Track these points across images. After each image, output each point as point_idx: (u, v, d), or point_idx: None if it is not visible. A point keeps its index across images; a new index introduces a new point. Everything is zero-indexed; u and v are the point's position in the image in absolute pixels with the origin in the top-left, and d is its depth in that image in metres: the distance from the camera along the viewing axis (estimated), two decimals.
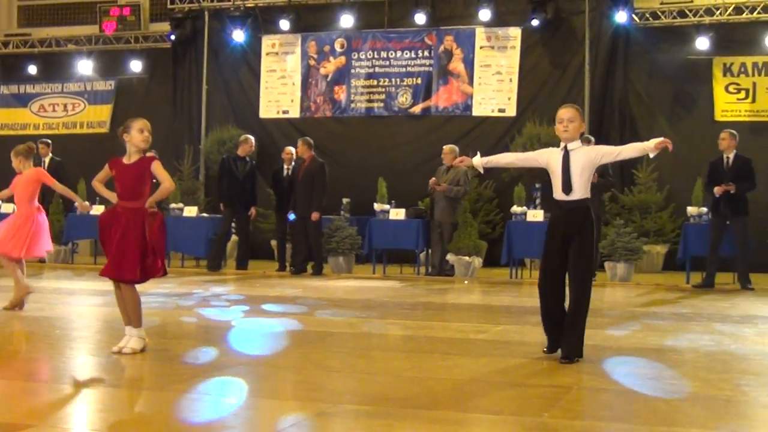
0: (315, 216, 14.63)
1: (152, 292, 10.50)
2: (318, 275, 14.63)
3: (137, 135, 6.65)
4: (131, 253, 6.52)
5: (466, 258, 14.44)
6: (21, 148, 9.48)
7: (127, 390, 5.62)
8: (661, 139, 6.54)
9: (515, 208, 14.70)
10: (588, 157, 6.57)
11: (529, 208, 14.70)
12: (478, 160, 6.98)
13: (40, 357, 6.74)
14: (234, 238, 16.00)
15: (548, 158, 6.69)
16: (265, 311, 9.71)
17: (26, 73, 20.85)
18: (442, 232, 14.63)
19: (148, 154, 6.81)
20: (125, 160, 6.72)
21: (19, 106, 21.28)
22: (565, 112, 6.60)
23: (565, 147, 6.59)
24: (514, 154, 7.61)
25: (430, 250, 15.13)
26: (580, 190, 6.54)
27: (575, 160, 6.53)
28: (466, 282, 14.00)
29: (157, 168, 6.67)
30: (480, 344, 7.48)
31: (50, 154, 16.65)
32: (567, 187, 6.54)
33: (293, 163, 15.40)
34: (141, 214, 6.58)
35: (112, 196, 6.79)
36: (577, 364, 6.36)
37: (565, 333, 6.48)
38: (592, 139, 13.05)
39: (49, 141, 16.94)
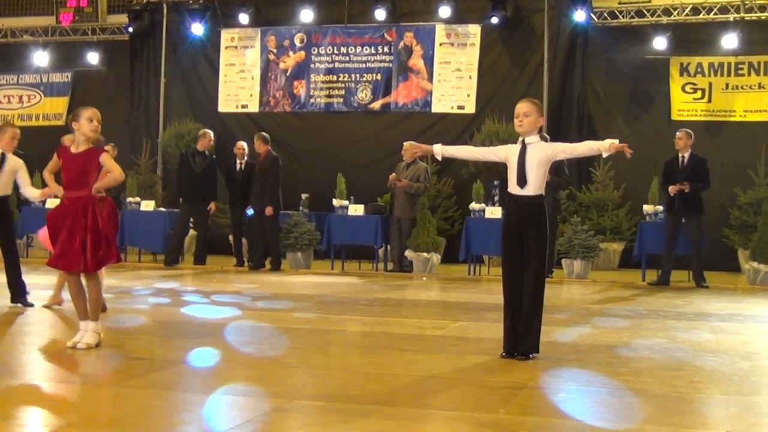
0: (269, 210, 14.60)
1: (108, 286, 10.41)
2: (276, 270, 14.60)
3: (86, 124, 6.61)
4: (78, 241, 6.48)
5: (425, 254, 14.49)
6: None
7: (81, 386, 5.58)
8: (617, 142, 6.60)
9: (474, 205, 14.77)
10: (544, 153, 6.62)
11: (487, 205, 14.79)
12: (438, 148, 7.00)
13: None
14: (192, 232, 15.93)
15: (507, 153, 6.74)
16: (220, 306, 9.67)
17: None
18: (401, 228, 14.65)
19: (106, 147, 6.77)
20: (73, 149, 6.69)
21: None
22: (521, 107, 6.65)
23: (523, 141, 6.65)
24: (474, 148, 7.64)
25: (388, 246, 15.16)
26: (535, 184, 6.58)
27: (531, 154, 6.59)
28: (424, 278, 14.03)
29: (107, 159, 6.63)
30: (437, 341, 7.51)
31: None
32: (521, 180, 6.59)
33: (246, 158, 15.35)
34: (88, 202, 6.54)
35: (59, 190, 6.75)
36: (533, 361, 6.42)
37: (520, 329, 6.53)
38: (548, 137, 13.12)
39: None
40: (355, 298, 10.67)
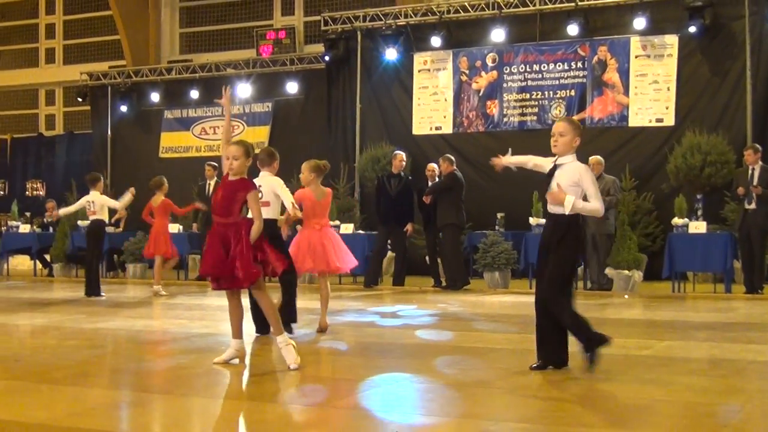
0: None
1: (308, 309, 10.62)
2: (454, 289, 14.59)
3: (224, 162, 7.01)
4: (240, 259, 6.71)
5: (626, 272, 14.10)
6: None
7: (284, 406, 5.68)
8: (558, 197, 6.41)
9: (676, 220, 14.26)
10: (574, 176, 6.47)
11: (690, 220, 14.23)
12: (508, 159, 6.90)
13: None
14: (390, 254, 16.11)
15: (544, 163, 6.71)
16: (419, 327, 9.70)
17: (188, 98, 21.59)
18: (597, 244, 14.35)
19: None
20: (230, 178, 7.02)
21: (182, 130, 22.06)
22: (557, 127, 6.59)
23: (555, 161, 6.55)
24: (532, 157, 7.29)
25: (586, 264, 14.84)
26: (558, 207, 6.46)
27: (561, 176, 6.49)
28: (626, 296, 13.67)
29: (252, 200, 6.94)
30: (643, 361, 7.27)
31: (215, 177, 17.09)
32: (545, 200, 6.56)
33: (437, 180, 15.42)
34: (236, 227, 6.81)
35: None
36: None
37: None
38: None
39: (216, 164, 17.42)
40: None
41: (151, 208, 14.61)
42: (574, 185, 6.46)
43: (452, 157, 15.39)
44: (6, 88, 26.37)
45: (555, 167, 6.54)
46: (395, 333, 9.36)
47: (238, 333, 6.98)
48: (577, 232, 6.52)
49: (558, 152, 6.55)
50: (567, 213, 6.41)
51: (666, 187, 16.11)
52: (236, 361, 6.94)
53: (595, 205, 6.43)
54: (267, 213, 8.42)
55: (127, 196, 14.16)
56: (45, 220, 19.95)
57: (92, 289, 13.69)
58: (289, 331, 8.41)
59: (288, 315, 8.66)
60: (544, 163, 6.84)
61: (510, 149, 7.31)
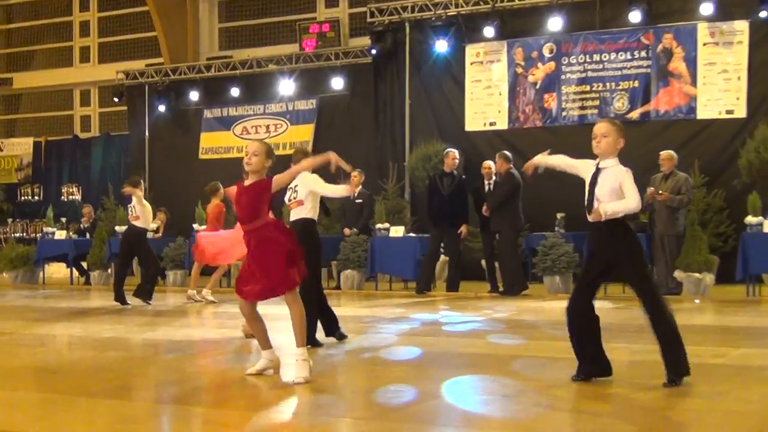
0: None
1: (357, 316, 10.63)
2: (511, 294, 14.53)
3: (244, 157, 6.94)
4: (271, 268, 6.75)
5: (697, 275, 13.93)
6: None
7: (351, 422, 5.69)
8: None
9: (750, 219, 14.05)
10: (616, 181, 6.45)
11: (765, 218, 14.01)
12: (541, 160, 6.84)
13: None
14: (443, 258, 16.06)
15: (585, 171, 6.64)
16: (474, 336, 9.67)
17: (229, 96, 21.72)
18: (665, 246, 14.19)
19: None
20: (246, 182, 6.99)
21: (222, 129, 22.21)
22: (599, 127, 6.56)
23: (597, 164, 6.50)
24: (565, 158, 7.14)
25: (653, 267, 14.68)
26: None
27: (604, 180, 6.47)
28: (696, 301, 13.51)
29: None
30: (718, 369, 7.17)
31: None
32: (589, 206, 6.51)
33: (494, 178, 15.35)
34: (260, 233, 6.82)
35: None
36: None
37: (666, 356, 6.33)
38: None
39: None
40: (622, 324, 10.37)
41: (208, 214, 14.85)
42: (617, 191, 6.45)
43: (509, 154, 15.32)
44: (40, 89, 26.74)
45: (598, 171, 6.48)
46: (450, 342, 9.33)
47: (266, 344, 7.04)
48: (630, 235, 6.54)
49: (601, 154, 6.52)
50: (603, 219, 6.47)
51: (738, 183, 15.88)
52: (270, 371, 6.97)
53: (626, 204, 6.41)
54: (301, 213, 8.51)
55: (156, 223, 14.50)
56: (81, 225, 20.19)
57: (118, 296, 13.82)
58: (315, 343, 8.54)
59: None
60: (580, 165, 6.78)
61: (548, 150, 7.19)
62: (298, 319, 6.87)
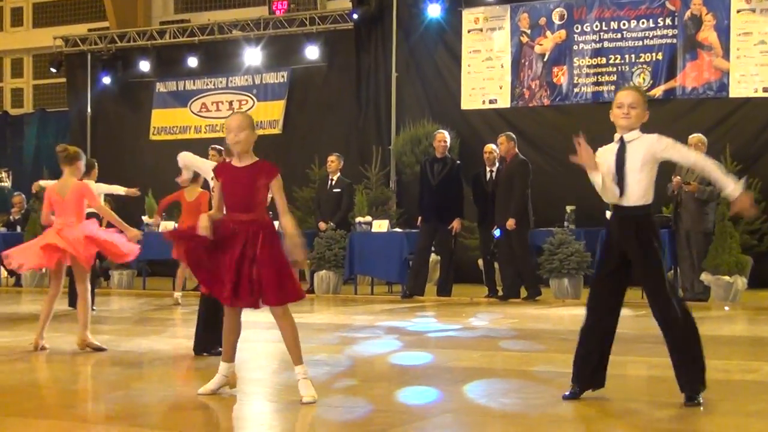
0: (510, 223, 14.56)
1: (333, 324, 10.68)
2: (531, 300, 14.56)
3: (228, 135, 6.75)
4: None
5: (726, 278, 14.03)
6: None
7: None
8: (747, 201, 6.42)
9: None
10: (649, 149, 6.46)
11: None
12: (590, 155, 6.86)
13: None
14: (434, 257, 16.07)
15: (603, 159, 6.58)
16: (466, 348, 9.72)
17: (185, 67, 21.70)
18: (691, 244, 14.27)
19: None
20: (235, 162, 6.88)
21: (177, 106, 22.19)
22: (626, 95, 6.59)
23: (621, 138, 6.52)
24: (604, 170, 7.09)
25: (677, 268, 14.75)
26: (638, 192, 6.47)
27: (632, 153, 6.47)
28: (726, 308, 13.62)
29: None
30: (748, 387, 7.25)
31: None
32: (621, 188, 6.50)
33: (497, 165, 15.34)
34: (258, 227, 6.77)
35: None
36: None
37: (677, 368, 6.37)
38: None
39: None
40: (638, 335, 10.42)
41: (183, 202, 14.45)
42: (653, 159, 6.47)
43: (514, 136, 15.30)
44: None
45: (623, 145, 6.50)
46: (441, 354, 9.38)
47: (231, 356, 6.97)
48: (656, 229, 6.60)
49: (629, 126, 6.52)
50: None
51: None
52: (226, 389, 6.95)
53: (710, 163, 6.49)
54: None
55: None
56: (11, 217, 20.11)
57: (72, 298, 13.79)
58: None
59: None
60: (603, 164, 6.58)
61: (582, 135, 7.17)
62: (292, 334, 6.79)
